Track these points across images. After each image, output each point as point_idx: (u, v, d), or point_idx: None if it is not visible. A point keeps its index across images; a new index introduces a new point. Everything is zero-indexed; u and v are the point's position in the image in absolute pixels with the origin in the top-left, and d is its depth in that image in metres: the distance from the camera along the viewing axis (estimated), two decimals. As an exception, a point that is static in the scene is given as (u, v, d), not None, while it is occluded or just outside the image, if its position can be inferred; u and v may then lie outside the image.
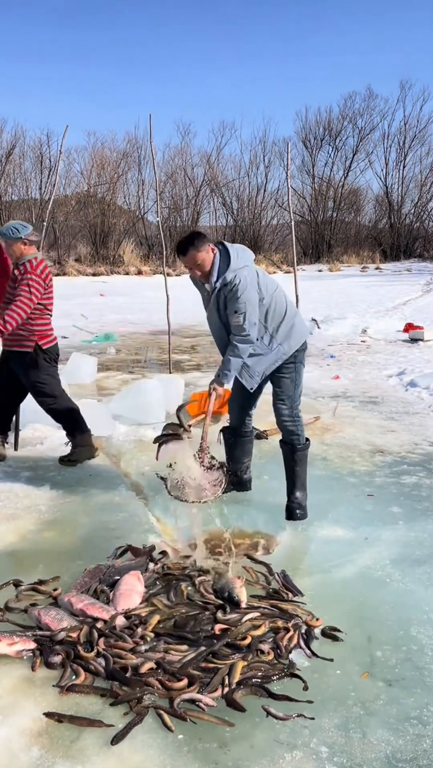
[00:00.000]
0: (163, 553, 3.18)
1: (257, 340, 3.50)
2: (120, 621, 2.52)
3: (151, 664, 2.27)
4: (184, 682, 2.17)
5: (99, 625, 2.50)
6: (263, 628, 2.52)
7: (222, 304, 3.48)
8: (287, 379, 3.62)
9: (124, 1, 69.88)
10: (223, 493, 3.55)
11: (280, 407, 3.64)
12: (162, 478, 4.20)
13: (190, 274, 3.57)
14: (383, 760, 1.92)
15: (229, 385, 3.67)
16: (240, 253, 3.44)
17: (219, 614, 2.60)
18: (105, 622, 2.52)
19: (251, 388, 3.66)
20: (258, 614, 2.62)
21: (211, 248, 3.42)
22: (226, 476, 3.55)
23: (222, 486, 3.52)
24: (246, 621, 2.57)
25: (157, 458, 3.58)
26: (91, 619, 2.54)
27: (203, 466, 3.50)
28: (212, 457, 3.58)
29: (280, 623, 2.54)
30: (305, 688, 2.21)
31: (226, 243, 3.48)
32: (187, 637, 2.46)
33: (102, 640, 2.41)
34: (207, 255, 3.40)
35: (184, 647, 2.38)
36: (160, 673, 2.23)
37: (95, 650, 2.35)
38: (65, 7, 72.50)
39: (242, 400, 3.82)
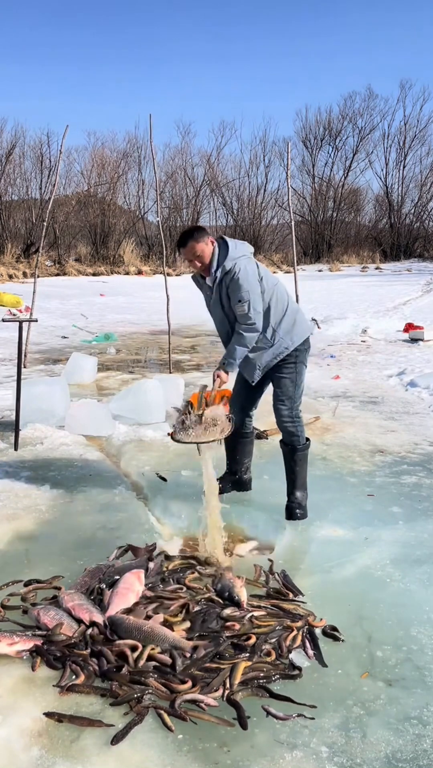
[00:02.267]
0: (167, 557, 3.18)
1: (260, 333, 3.51)
2: (69, 630, 2.48)
3: (148, 650, 2.29)
4: (189, 684, 2.17)
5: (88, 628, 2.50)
6: (267, 627, 2.52)
7: (225, 295, 3.50)
8: (287, 379, 3.62)
9: (124, 1, 69.88)
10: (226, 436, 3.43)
11: (280, 408, 3.64)
12: (162, 478, 4.21)
13: (192, 274, 3.57)
14: (383, 760, 1.92)
15: (233, 374, 3.65)
16: (238, 245, 3.50)
17: (227, 611, 2.60)
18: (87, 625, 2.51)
19: (253, 381, 3.67)
20: (264, 613, 2.62)
21: (211, 241, 3.46)
22: (231, 424, 3.43)
23: (228, 431, 3.40)
24: (252, 619, 2.57)
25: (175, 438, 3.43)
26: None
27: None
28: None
29: (286, 623, 2.54)
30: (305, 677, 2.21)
31: (225, 237, 3.52)
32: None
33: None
34: (206, 247, 3.43)
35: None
36: (164, 675, 2.23)
37: (89, 650, 2.35)
38: (65, 7, 72.52)
39: (243, 401, 3.83)
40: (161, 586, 2.85)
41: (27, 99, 62.15)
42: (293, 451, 3.67)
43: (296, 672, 2.28)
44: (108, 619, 2.53)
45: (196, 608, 2.67)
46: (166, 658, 2.29)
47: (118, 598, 2.65)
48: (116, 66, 73.23)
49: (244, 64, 73.41)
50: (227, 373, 3.55)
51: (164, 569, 3.02)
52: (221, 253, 3.44)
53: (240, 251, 3.46)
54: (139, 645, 2.35)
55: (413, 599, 2.79)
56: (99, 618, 2.53)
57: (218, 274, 3.44)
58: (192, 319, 12.48)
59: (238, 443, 3.93)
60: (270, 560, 3.11)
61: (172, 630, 2.47)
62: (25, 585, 2.86)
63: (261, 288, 3.48)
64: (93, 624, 2.51)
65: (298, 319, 3.62)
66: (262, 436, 5.07)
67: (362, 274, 30.50)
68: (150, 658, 2.31)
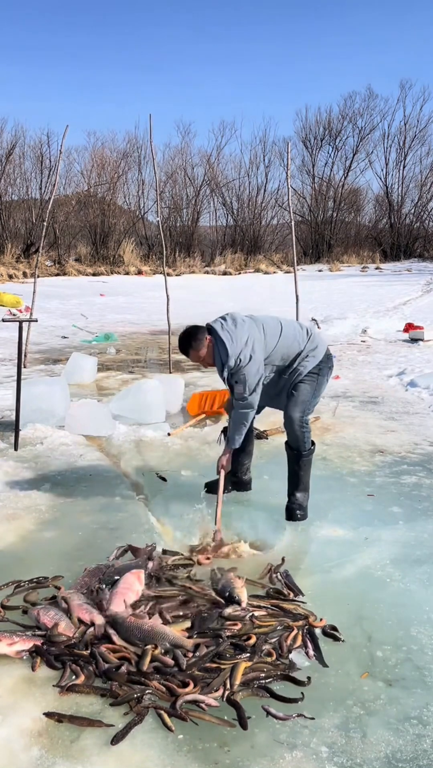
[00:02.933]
0: (169, 553, 3.18)
1: (273, 375, 3.61)
2: (65, 629, 2.47)
3: (150, 656, 2.28)
4: (190, 686, 2.17)
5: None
6: (268, 627, 2.52)
7: (232, 380, 3.55)
8: (307, 386, 3.64)
9: (124, 2, 69.87)
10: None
11: (292, 410, 3.64)
12: (162, 478, 4.21)
13: None
14: (383, 760, 1.92)
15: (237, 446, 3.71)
16: (233, 334, 3.45)
17: (228, 611, 2.60)
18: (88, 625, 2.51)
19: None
20: (264, 613, 2.62)
21: (208, 340, 3.48)
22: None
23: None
24: (253, 619, 2.58)
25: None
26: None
27: (214, 542, 3.34)
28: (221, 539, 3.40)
29: (287, 623, 2.55)
30: (307, 682, 2.21)
31: (215, 327, 3.49)
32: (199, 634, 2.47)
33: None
34: (207, 351, 3.51)
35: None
36: (164, 676, 2.23)
37: (89, 651, 2.35)
38: (65, 7, 72.51)
39: None
40: (158, 585, 2.86)
41: (27, 99, 62.14)
42: (299, 456, 3.68)
43: (305, 680, 2.26)
44: (110, 618, 2.53)
45: (194, 604, 2.68)
46: (168, 660, 2.28)
47: (118, 598, 2.65)
48: (116, 66, 73.21)
49: (244, 64, 73.38)
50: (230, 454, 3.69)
51: (164, 564, 3.03)
52: (221, 353, 3.46)
53: (238, 342, 3.43)
54: (137, 653, 2.35)
55: (413, 599, 2.79)
56: (99, 618, 2.53)
57: (225, 374, 3.51)
58: (192, 319, 12.48)
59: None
60: (283, 558, 3.11)
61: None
62: (26, 583, 2.86)
63: (267, 353, 3.51)
64: (93, 624, 2.51)
65: (310, 355, 3.64)
66: (262, 436, 5.07)
67: (362, 274, 30.49)
68: (153, 659, 2.30)
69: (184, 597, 2.76)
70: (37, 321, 6.46)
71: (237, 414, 3.58)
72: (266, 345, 3.51)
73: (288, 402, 3.66)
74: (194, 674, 2.24)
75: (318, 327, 12.13)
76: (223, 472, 3.69)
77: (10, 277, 21.97)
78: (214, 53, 73.36)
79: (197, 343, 3.49)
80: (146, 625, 2.45)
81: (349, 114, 37.49)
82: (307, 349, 3.62)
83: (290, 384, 3.65)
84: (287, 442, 3.75)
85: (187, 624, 2.55)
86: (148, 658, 2.29)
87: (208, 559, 3.15)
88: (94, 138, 34.91)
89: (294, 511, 3.64)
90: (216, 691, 2.17)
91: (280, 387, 3.68)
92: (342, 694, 2.20)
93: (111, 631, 2.45)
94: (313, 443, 3.74)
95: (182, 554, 3.19)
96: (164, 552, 3.17)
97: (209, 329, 3.51)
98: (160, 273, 17.22)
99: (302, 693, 2.19)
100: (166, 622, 2.54)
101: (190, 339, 3.52)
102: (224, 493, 3.62)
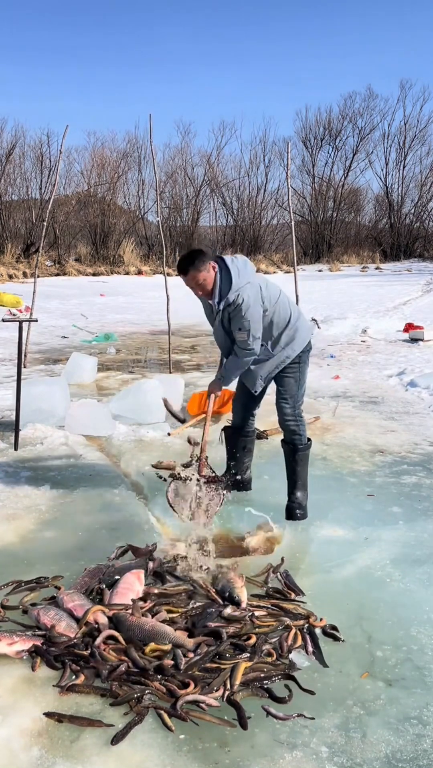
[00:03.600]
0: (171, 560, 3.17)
1: (261, 346, 3.53)
2: (65, 629, 2.47)
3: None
4: (191, 686, 2.17)
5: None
6: (268, 627, 2.52)
7: (226, 321, 3.50)
8: (290, 379, 3.64)
9: (124, 2, 69.91)
10: (220, 507, 3.51)
11: (283, 406, 3.65)
12: (162, 478, 4.21)
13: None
14: (383, 760, 1.92)
15: (228, 386, 3.74)
16: (241, 270, 3.39)
17: (228, 610, 2.61)
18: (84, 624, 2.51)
19: (255, 392, 3.71)
20: (264, 613, 2.63)
21: (213, 266, 3.37)
22: (226, 490, 3.53)
23: (221, 503, 3.49)
24: (253, 619, 2.58)
25: (170, 504, 3.47)
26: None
27: (202, 477, 3.46)
28: (212, 470, 3.57)
29: (287, 623, 2.55)
30: (308, 690, 2.21)
31: (226, 258, 3.41)
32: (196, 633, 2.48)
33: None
34: (208, 274, 3.37)
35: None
36: (165, 676, 2.23)
37: (90, 651, 2.35)
38: (65, 7, 72.54)
39: (246, 399, 3.84)
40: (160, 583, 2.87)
41: (27, 99, 62.17)
42: (294, 450, 3.68)
43: (298, 670, 2.28)
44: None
45: (196, 603, 2.69)
46: (169, 662, 2.28)
47: (118, 598, 2.65)
48: (116, 66, 73.23)
49: (244, 64, 73.45)
50: (220, 388, 3.69)
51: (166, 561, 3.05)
52: (223, 282, 3.37)
53: (243, 278, 3.37)
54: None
55: (413, 599, 2.79)
56: (102, 618, 2.53)
57: (222, 306, 3.41)
58: (192, 319, 12.47)
59: (239, 442, 3.93)
60: (283, 558, 3.12)
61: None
62: (26, 584, 2.86)
63: (264, 308, 3.46)
64: (95, 623, 2.51)
65: (299, 327, 3.62)
66: (262, 436, 5.07)
67: (362, 274, 30.49)
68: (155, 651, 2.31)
69: (190, 592, 2.77)
70: (37, 321, 6.46)
71: (237, 360, 3.53)
72: (269, 296, 3.46)
73: (277, 400, 3.68)
74: (194, 674, 2.24)
75: (318, 327, 12.12)
76: (213, 397, 3.68)
77: (10, 277, 21.97)
78: (215, 53, 73.41)
79: (201, 263, 3.33)
80: (147, 625, 2.45)
81: (349, 114, 37.54)
82: (292, 322, 3.56)
83: (273, 369, 3.61)
84: (283, 440, 3.75)
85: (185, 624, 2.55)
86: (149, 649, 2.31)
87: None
88: (94, 138, 34.95)
89: (294, 511, 3.64)
90: (216, 691, 2.17)
91: (266, 370, 3.62)
92: (342, 694, 2.20)
93: (113, 633, 2.46)
94: (309, 439, 3.74)
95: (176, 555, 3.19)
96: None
97: (216, 260, 3.41)
98: (160, 273, 17.22)
99: (302, 689, 2.19)
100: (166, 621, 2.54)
101: (194, 258, 3.35)
102: (226, 490, 3.60)
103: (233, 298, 3.35)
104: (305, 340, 3.64)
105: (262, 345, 3.53)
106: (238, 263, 3.42)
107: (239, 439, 3.92)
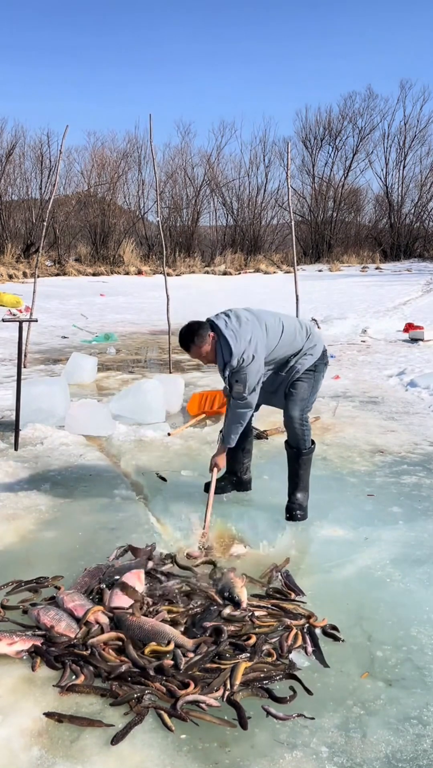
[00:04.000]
0: (169, 556, 3.17)
1: (270, 372, 3.59)
2: (65, 630, 2.47)
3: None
4: (192, 687, 2.17)
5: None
6: (268, 627, 2.53)
7: (233, 381, 3.48)
8: (304, 383, 3.63)
9: (124, 2, 69.91)
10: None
11: (291, 409, 3.64)
12: (162, 478, 4.21)
13: None
14: (383, 760, 1.92)
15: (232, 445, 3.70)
16: (237, 332, 3.38)
17: (227, 610, 2.61)
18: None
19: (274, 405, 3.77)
20: (265, 613, 2.63)
21: (211, 336, 3.41)
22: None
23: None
24: (253, 619, 2.59)
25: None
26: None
27: (199, 548, 3.28)
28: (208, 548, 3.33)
29: (287, 623, 2.55)
30: (308, 691, 2.21)
31: (219, 324, 3.41)
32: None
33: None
34: (209, 346, 3.43)
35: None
36: (166, 678, 2.23)
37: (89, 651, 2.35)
38: (65, 7, 72.53)
39: None
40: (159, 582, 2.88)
41: (27, 99, 62.18)
42: (298, 454, 3.68)
43: (297, 670, 2.28)
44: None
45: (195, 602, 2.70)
46: (168, 662, 2.28)
47: (117, 598, 2.65)
48: (117, 66, 73.23)
49: (244, 65, 73.46)
50: (223, 453, 3.67)
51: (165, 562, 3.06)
52: (224, 351, 3.39)
53: (242, 341, 3.37)
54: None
55: (413, 599, 2.80)
56: (103, 618, 2.53)
57: (227, 373, 3.43)
58: (192, 318, 12.48)
59: (239, 442, 3.92)
60: (288, 559, 3.12)
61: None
62: (26, 584, 2.86)
63: (268, 351, 3.47)
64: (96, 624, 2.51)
65: (307, 352, 3.61)
66: (262, 436, 5.07)
67: (362, 274, 30.48)
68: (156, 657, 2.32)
69: (187, 590, 2.79)
70: (37, 321, 6.46)
71: (235, 413, 3.55)
72: (268, 344, 3.47)
73: (287, 401, 3.66)
74: (194, 674, 2.24)
75: (318, 327, 12.12)
76: (216, 471, 3.68)
77: (10, 277, 21.97)
78: (215, 53, 73.41)
79: (200, 339, 3.41)
80: (147, 624, 2.46)
81: (349, 114, 37.51)
82: (306, 348, 3.60)
83: (288, 382, 3.63)
84: (286, 441, 3.74)
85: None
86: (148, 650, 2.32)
87: (196, 558, 3.16)
88: (94, 138, 34.97)
89: (294, 511, 3.64)
90: (216, 691, 2.17)
91: (277, 384, 3.66)
92: (342, 694, 2.20)
93: (119, 634, 2.46)
94: (313, 442, 3.74)
95: (173, 555, 3.18)
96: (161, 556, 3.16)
97: (212, 325, 3.44)
98: (160, 273, 17.22)
99: (305, 689, 2.19)
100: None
101: (192, 335, 3.43)
102: (224, 493, 3.61)
103: (236, 364, 3.38)
104: (316, 354, 3.65)
105: (272, 371, 3.59)
106: (232, 325, 3.41)
107: (239, 439, 3.91)
